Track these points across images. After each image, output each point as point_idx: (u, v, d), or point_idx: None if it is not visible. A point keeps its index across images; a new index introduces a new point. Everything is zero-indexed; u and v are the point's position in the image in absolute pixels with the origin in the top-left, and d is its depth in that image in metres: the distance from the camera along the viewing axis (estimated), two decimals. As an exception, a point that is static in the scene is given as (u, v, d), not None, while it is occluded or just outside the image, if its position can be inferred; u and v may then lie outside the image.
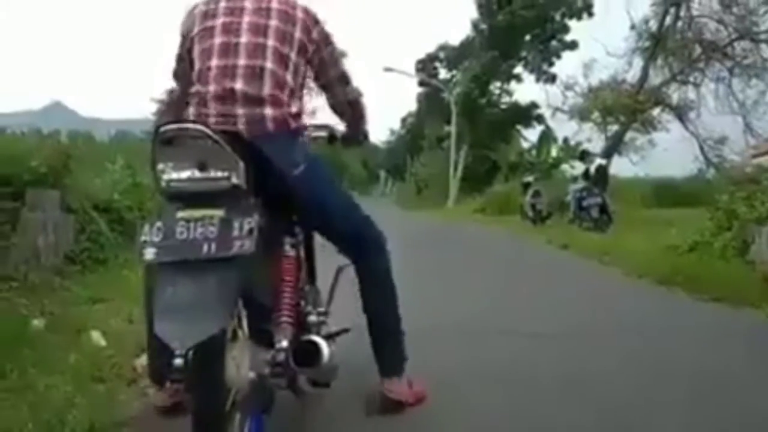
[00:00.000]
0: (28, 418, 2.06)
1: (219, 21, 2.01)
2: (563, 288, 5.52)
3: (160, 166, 1.56)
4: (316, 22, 2.14)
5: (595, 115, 20.98)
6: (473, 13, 27.25)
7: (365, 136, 2.56)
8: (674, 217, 10.67)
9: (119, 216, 5.87)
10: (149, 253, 1.46)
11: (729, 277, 4.93)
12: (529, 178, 15.38)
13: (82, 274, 4.80)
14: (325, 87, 2.29)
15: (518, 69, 28.07)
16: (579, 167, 12.60)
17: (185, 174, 1.54)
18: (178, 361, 1.42)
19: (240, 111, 1.93)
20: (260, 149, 1.68)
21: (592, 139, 20.51)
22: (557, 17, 26.25)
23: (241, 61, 1.96)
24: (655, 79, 20.76)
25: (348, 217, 2.26)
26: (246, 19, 2.00)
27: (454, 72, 30.31)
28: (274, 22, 2.02)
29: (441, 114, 30.01)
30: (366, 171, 62.94)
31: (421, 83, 31.95)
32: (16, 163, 4.80)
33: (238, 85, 1.94)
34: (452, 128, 26.74)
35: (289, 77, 2.02)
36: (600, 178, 11.54)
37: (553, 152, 24.38)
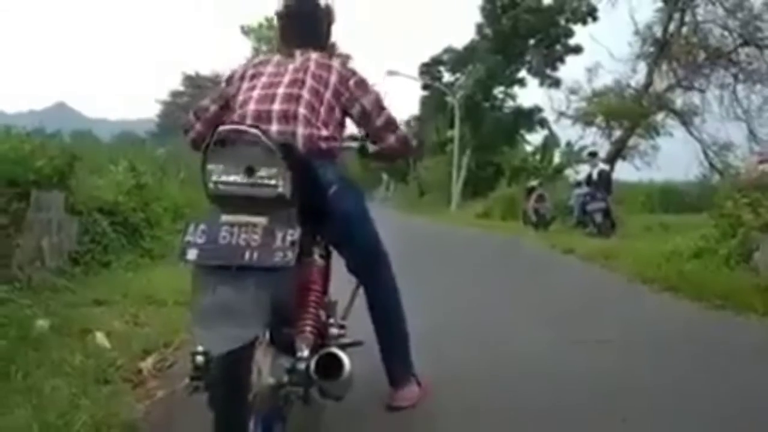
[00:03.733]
0: (33, 420, 2.06)
1: (263, 79, 2.22)
2: (568, 294, 5.51)
3: (210, 166, 1.59)
4: (354, 73, 2.31)
5: (600, 119, 20.93)
6: (477, 17, 27.29)
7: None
8: (678, 223, 10.65)
9: (123, 218, 5.88)
10: (191, 254, 1.49)
11: (733, 284, 4.90)
12: (533, 183, 15.34)
13: (86, 275, 4.81)
14: (373, 135, 2.34)
15: (522, 73, 27.99)
16: (583, 172, 12.59)
17: (233, 177, 1.58)
18: (200, 359, 1.49)
19: (274, 128, 2.04)
20: (308, 162, 1.78)
21: (596, 144, 20.46)
22: (561, 22, 26.19)
23: (280, 90, 2.15)
24: (660, 84, 20.72)
25: (367, 237, 2.38)
26: (287, 77, 2.21)
27: (458, 76, 30.25)
28: (311, 70, 2.22)
29: (444, 118, 29.96)
30: (367, 174, 62.69)
31: (425, 87, 31.94)
32: (21, 163, 4.80)
33: (275, 107, 2.11)
34: (455, 132, 26.72)
35: (322, 110, 2.17)
36: (603, 183, 11.51)
37: (557, 157, 24.39)
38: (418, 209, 28.39)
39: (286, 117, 2.09)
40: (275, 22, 2.58)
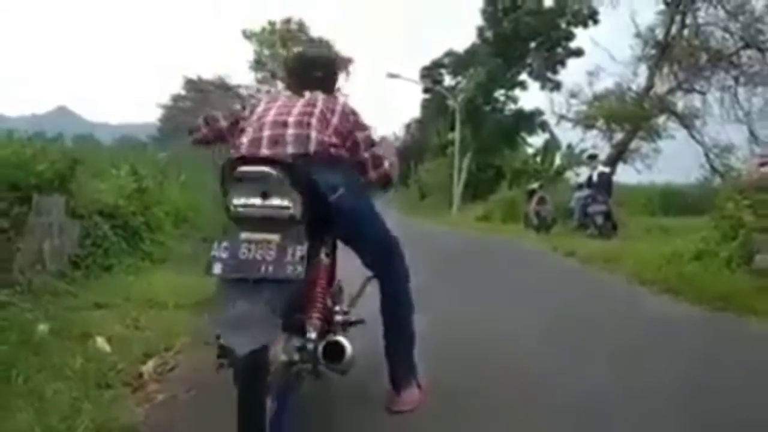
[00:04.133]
0: (35, 424, 2.07)
1: (278, 103, 2.50)
2: (568, 296, 5.51)
3: (232, 192, 1.90)
4: (354, 113, 2.60)
5: (600, 122, 20.94)
6: (478, 20, 27.32)
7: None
8: (679, 225, 10.64)
9: (124, 222, 5.87)
10: (217, 268, 1.78)
11: (734, 287, 4.90)
12: (534, 185, 15.32)
13: (87, 279, 4.80)
14: (358, 166, 2.57)
15: (523, 76, 28.01)
16: (583, 174, 12.56)
17: (251, 201, 1.87)
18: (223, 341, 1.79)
19: (290, 132, 2.31)
20: (311, 177, 2.02)
21: (597, 147, 20.43)
22: (562, 25, 26.21)
23: (294, 110, 2.41)
24: (661, 87, 20.73)
25: (377, 236, 2.58)
26: (298, 106, 2.45)
27: (459, 79, 30.30)
28: (319, 104, 2.49)
29: (445, 120, 29.99)
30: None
31: (426, 90, 31.98)
32: (22, 167, 4.81)
33: (291, 118, 2.36)
34: (456, 135, 26.73)
35: (330, 129, 2.41)
36: (603, 186, 11.48)
37: (558, 159, 24.38)
38: (419, 212, 28.36)
39: (301, 124, 2.33)
40: (286, 67, 2.99)
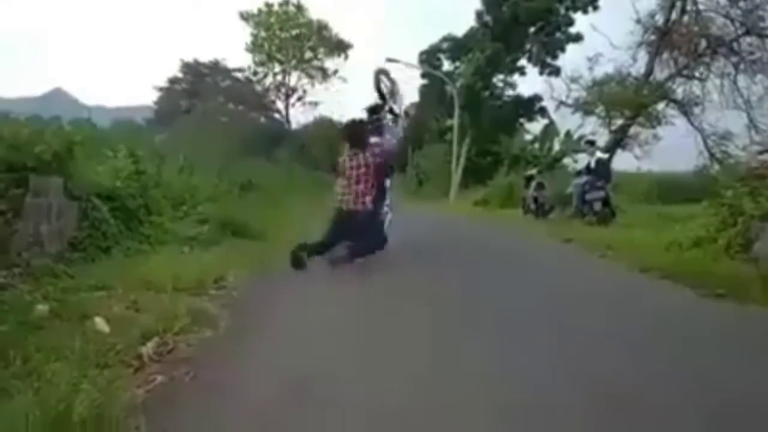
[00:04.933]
0: (35, 404, 2.06)
1: (353, 172, 6.06)
2: (565, 283, 5.51)
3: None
4: (370, 162, 6.02)
5: (600, 108, 20.87)
6: (478, 4, 27.11)
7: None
8: (678, 212, 10.64)
9: (122, 204, 5.84)
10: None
11: (733, 273, 4.90)
12: (532, 171, 15.30)
13: (85, 261, 4.79)
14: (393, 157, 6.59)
15: (522, 62, 27.88)
16: (582, 161, 12.53)
17: None
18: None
19: (358, 200, 6.03)
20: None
21: (597, 133, 20.39)
22: (562, 10, 26.04)
23: (360, 181, 6.04)
24: (660, 73, 20.67)
25: (372, 238, 6.05)
26: (358, 173, 6.05)
27: (458, 64, 30.11)
28: (363, 163, 6.02)
29: (444, 106, 29.85)
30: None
31: (424, 75, 31.79)
32: (20, 149, 4.78)
33: (359, 196, 6.08)
34: (455, 121, 26.62)
35: (370, 185, 6.06)
36: (602, 173, 11.44)
37: (556, 146, 24.33)
38: (417, 199, 28.31)
39: (363, 203, 6.00)
40: (340, 129, 7.28)
